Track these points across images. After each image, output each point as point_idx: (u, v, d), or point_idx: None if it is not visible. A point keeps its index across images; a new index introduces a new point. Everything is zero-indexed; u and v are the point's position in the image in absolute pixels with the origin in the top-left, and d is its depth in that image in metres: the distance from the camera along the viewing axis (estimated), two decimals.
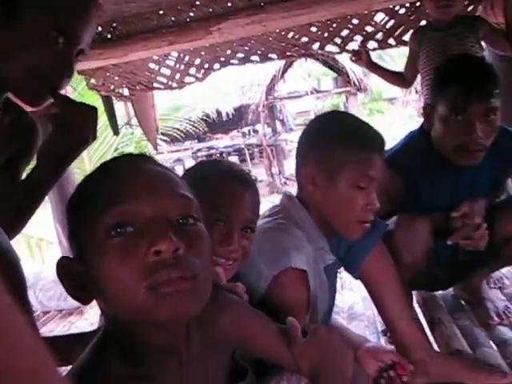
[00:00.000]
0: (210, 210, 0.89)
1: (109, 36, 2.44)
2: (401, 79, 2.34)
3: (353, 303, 1.92)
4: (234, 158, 10.92)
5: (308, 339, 0.77)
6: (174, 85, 2.79)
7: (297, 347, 0.76)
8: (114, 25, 2.41)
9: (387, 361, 1.29)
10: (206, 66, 2.69)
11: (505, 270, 2.05)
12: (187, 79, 2.76)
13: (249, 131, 11.65)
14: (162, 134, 6.84)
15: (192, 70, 2.73)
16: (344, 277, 2.05)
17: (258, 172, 8.88)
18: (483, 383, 1.28)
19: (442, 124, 1.42)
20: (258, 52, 2.59)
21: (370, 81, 10.33)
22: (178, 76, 2.77)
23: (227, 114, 10.48)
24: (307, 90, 10.54)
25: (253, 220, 1.01)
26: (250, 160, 10.36)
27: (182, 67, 2.74)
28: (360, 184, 1.14)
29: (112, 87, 2.86)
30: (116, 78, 2.81)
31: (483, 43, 2.00)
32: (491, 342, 1.56)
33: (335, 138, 1.16)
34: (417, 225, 1.44)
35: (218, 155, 10.39)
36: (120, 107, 4.14)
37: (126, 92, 2.92)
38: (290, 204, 1.24)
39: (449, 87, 1.39)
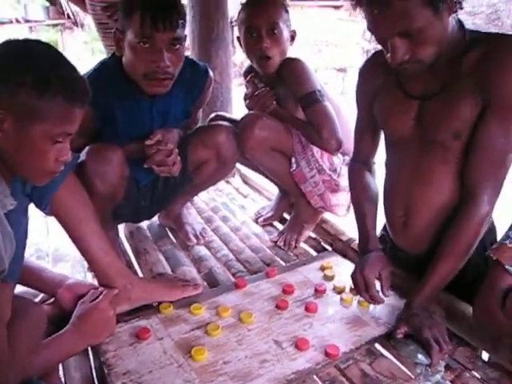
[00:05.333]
0: None
1: None
2: None
3: (58, 245, 1.82)
4: None
5: None
6: None
7: None
8: None
9: (83, 291, 1.30)
10: None
11: (205, 198, 2.27)
12: None
13: None
14: None
15: None
16: (49, 220, 1.91)
17: None
18: (179, 297, 1.40)
19: (131, 51, 1.39)
20: None
21: (88, 16, 9.66)
22: None
23: None
24: (13, 17, 9.14)
25: None
26: None
27: None
28: (57, 139, 1.01)
29: None
30: None
31: None
32: (190, 261, 1.71)
33: (34, 81, 0.94)
34: (108, 154, 1.41)
35: None
36: None
37: None
38: None
39: (136, 14, 1.35)
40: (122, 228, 1.93)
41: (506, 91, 1.07)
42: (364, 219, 1.39)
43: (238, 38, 1.75)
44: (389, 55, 1.08)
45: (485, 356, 1.22)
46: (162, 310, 1.34)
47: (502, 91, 1.07)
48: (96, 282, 1.39)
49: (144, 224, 1.98)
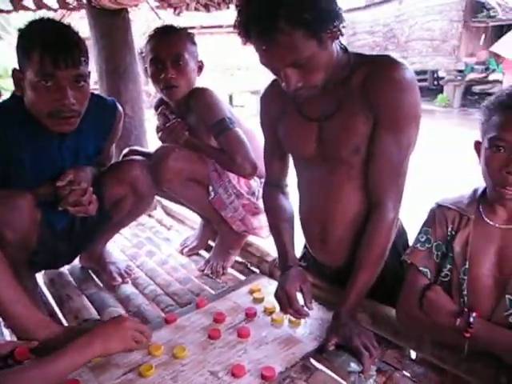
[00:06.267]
0: None
1: None
2: None
3: None
4: None
5: None
6: None
7: None
8: None
9: (3, 351, 1.19)
10: None
11: (127, 234, 2.22)
12: None
13: None
14: None
15: None
16: None
17: None
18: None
19: (33, 90, 1.34)
20: None
21: None
22: None
23: None
24: None
25: None
26: None
27: None
28: None
29: None
30: None
31: None
32: (117, 301, 1.65)
33: None
34: (15, 200, 1.34)
35: None
36: None
37: None
38: None
39: (35, 52, 1.31)
40: (40, 276, 1.83)
41: (389, 105, 1.17)
42: (281, 239, 1.43)
43: (146, 68, 1.76)
44: (284, 84, 1.15)
45: (412, 355, 1.28)
46: None
47: (387, 105, 1.17)
48: (15, 339, 1.31)
49: (65, 269, 1.89)
